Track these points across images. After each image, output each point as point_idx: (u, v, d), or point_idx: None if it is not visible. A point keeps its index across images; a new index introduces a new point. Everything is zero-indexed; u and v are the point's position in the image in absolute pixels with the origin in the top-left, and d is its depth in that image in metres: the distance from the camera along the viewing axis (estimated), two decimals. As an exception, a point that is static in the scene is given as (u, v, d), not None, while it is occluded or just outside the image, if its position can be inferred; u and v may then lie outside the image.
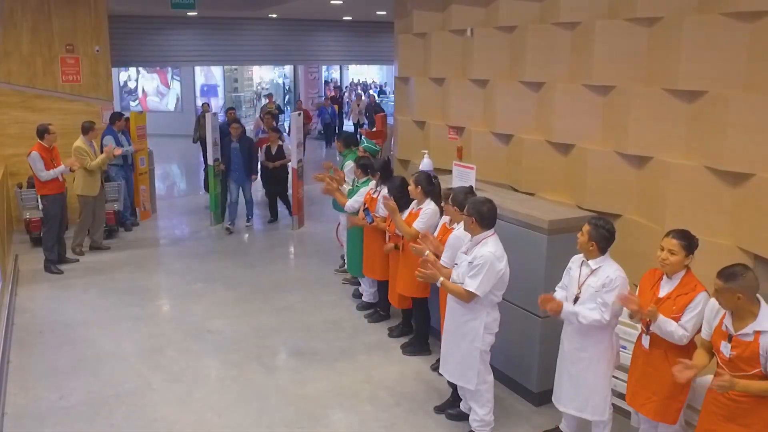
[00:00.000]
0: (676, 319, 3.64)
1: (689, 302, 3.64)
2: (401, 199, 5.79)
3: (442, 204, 5.24)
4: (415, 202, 5.65)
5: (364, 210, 6.14)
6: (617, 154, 5.53)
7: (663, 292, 3.76)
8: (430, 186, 5.53)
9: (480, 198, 4.38)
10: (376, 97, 22.87)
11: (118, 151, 8.75)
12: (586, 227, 4.01)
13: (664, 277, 3.79)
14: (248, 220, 10.18)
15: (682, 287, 3.70)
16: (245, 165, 9.70)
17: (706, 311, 3.58)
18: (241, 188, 9.84)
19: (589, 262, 4.03)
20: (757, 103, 4.44)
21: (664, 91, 5.09)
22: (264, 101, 23.89)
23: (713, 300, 3.51)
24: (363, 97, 21.33)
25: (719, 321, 3.44)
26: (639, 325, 3.97)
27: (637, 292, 3.94)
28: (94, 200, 8.49)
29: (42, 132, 7.74)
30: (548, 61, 6.16)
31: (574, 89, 5.86)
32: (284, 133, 11.98)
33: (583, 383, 4.11)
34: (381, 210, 6.07)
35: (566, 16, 5.92)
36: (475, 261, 4.16)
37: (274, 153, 10.29)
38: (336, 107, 20.27)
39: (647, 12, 5.20)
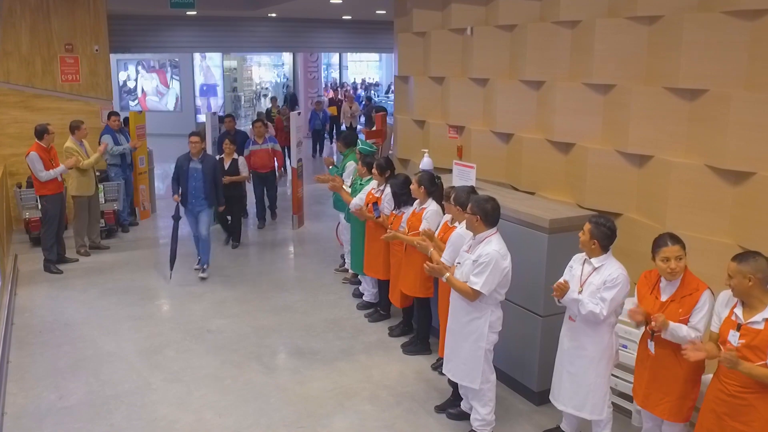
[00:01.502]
0: (685, 321, 3.63)
1: (695, 302, 3.64)
2: (402, 197, 5.80)
3: (444, 203, 5.24)
4: (417, 201, 5.65)
5: (373, 205, 6.14)
6: (618, 153, 5.52)
7: (665, 296, 3.75)
8: (433, 186, 5.53)
9: (483, 196, 4.38)
10: (371, 100, 21.80)
11: (102, 147, 8.73)
12: (587, 226, 4.01)
13: (662, 279, 3.78)
14: (200, 265, 7.81)
15: (685, 288, 3.70)
16: (207, 192, 7.49)
17: (716, 302, 3.58)
18: (197, 219, 7.60)
19: (592, 260, 4.03)
20: (757, 102, 4.43)
21: (664, 90, 5.08)
22: (263, 101, 23.69)
23: (724, 291, 3.51)
24: (355, 100, 19.86)
25: (729, 311, 3.45)
26: (641, 327, 3.95)
27: (635, 296, 3.93)
28: (89, 200, 8.48)
29: (41, 132, 7.73)
30: (548, 59, 6.15)
31: (575, 88, 5.85)
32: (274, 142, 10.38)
33: (583, 382, 4.10)
34: (386, 209, 6.07)
35: (566, 14, 5.91)
36: (480, 259, 4.15)
37: (226, 168, 8.71)
38: (332, 111, 18.41)
39: (647, 10, 5.19)
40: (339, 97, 21.29)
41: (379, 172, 6.33)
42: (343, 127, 19.27)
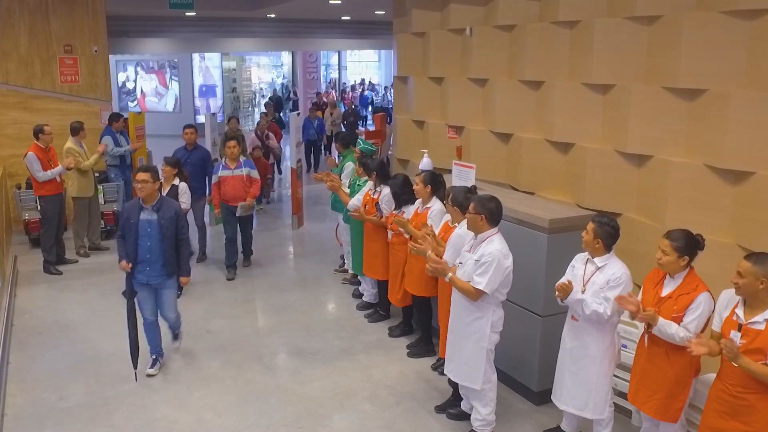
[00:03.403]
0: (678, 319, 3.65)
1: (690, 302, 3.65)
2: (403, 196, 5.80)
3: (445, 203, 5.24)
4: (420, 201, 5.65)
5: (375, 205, 6.16)
6: (617, 153, 5.53)
7: (665, 292, 3.78)
8: (438, 185, 5.54)
9: (485, 195, 4.38)
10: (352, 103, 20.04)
11: (102, 147, 8.74)
12: (590, 225, 4.02)
13: (667, 276, 3.80)
14: (153, 363, 5.51)
15: (684, 287, 3.71)
16: (167, 256, 5.23)
17: (718, 302, 3.59)
18: (157, 297, 5.39)
19: (595, 259, 4.04)
20: (757, 101, 4.44)
21: (663, 90, 5.09)
22: (262, 102, 23.33)
23: (727, 291, 3.52)
24: (337, 104, 17.66)
25: (731, 311, 3.45)
26: (641, 324, 3.97)
27: (641, 291, 3.94)
28: (89, 201, 8.49)
29: (37, 132, 7.74)
30: (547, 59, 6.16)
31: (574, 88, 5.86)
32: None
33: (585, 381, 4.11)
34: (385, 209, 6.08)
35: (565, 14, 5.92)
36: (483, 258, 4.15)
37: (166, 193, 6.71)
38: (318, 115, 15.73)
39: (647, 10, 5.20)
40: (326, 99, 18.90)
41: (365, 172, 6.40)
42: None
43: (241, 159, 7.79)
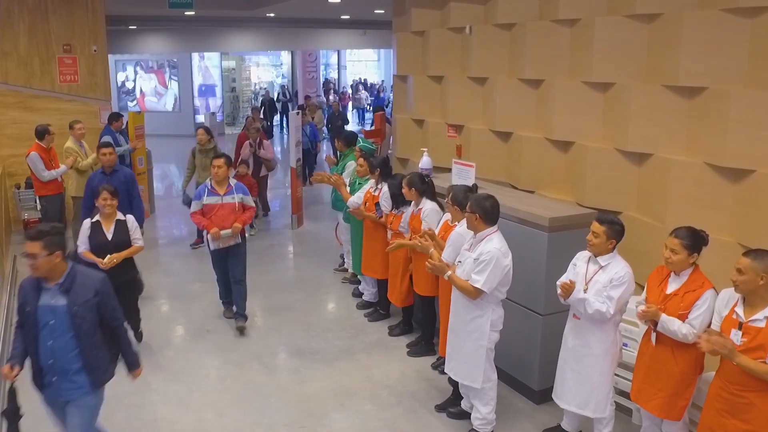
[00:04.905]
0: (684, 316, 3.65)
1: (696, 299, 3.65)
2: (400, 197, 5.81)
3: (445, 202, 5.24)
4: (413, 203, 5.66)
5: (375, 204, 6.16)
6: (617, 151, 5.52)
7: (671, 289, 3.78)
8: (423, 185, 5.56)
9: (482, 194, 4.39)
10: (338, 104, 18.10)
11: None
12: (599, 227, 3.98)
13: (672, 274, 3.80)
14: None
15: (690, 284, 3.72)
16: (85, 358, 3.58)
17: (717, 301, 3.59)
18: (66, 415, 3.73)
19: (598, 258, 4.03)
20: (757, 99, 4.43)
21: (664, 88, 5.08)
22: (261, 102, 22.99)
23: (726, 290, 3.51)
24: (319, 107, 16.16)
25: (730, 310, 3.45)
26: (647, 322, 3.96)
27: (645, 290, 3.94)
28: None
29: (42, 133, 7.74)
30: (547, 58, 6.15)
31: (574, 86, 5.85)
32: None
33: (587, 380, 4.10)
34: (384, 208, 6.08)
35: (565, 12, 5.91)
36: (481, 257, 4.15)
37: (109, 238, 5.32)
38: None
39: (647, 8, 5.19)
40: (312, 102, 16.62)
41: (369, 169, 6.41)
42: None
43: (232, 182, 6.25)
